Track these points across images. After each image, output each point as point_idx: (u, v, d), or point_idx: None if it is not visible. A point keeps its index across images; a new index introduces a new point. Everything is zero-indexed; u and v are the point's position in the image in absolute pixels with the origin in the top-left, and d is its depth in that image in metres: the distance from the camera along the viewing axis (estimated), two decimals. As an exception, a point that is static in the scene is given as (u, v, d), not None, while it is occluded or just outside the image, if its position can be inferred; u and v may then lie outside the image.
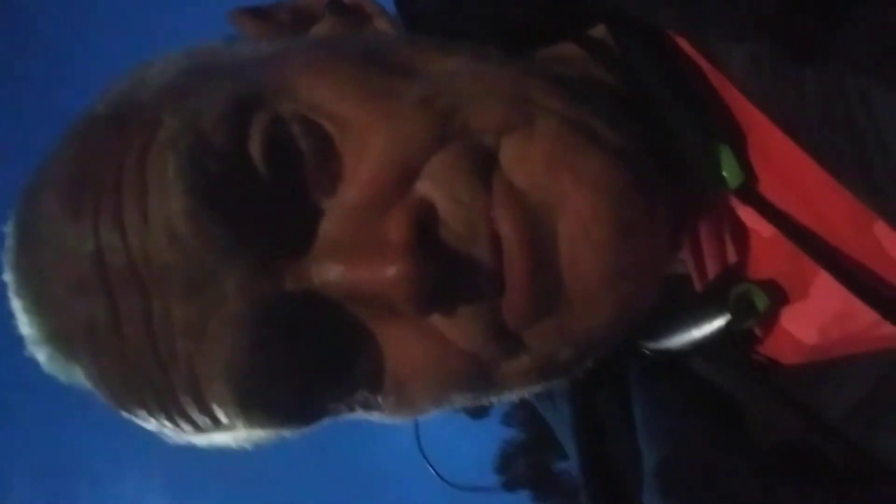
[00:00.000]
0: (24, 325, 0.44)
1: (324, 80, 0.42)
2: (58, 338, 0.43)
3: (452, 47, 0.45)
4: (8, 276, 0.44)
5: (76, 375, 0.44)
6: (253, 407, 0.42)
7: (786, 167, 0.43)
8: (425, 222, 0.40)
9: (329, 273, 0.40)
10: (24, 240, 0.44)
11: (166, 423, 0.43)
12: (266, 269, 0.39)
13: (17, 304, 0.44)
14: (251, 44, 0.48)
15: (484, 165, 0.40)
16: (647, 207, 0.42)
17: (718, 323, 0.46)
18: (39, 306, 0.43)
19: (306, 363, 0.41)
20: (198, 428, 0.43)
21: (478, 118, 0.41)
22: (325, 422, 0.47)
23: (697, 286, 0.48)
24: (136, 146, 0.40)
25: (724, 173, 0.43)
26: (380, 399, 0.44)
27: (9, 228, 0.45)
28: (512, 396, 0.48)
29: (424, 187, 0.40)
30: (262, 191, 0.40)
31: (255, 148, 0.40)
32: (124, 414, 0.44)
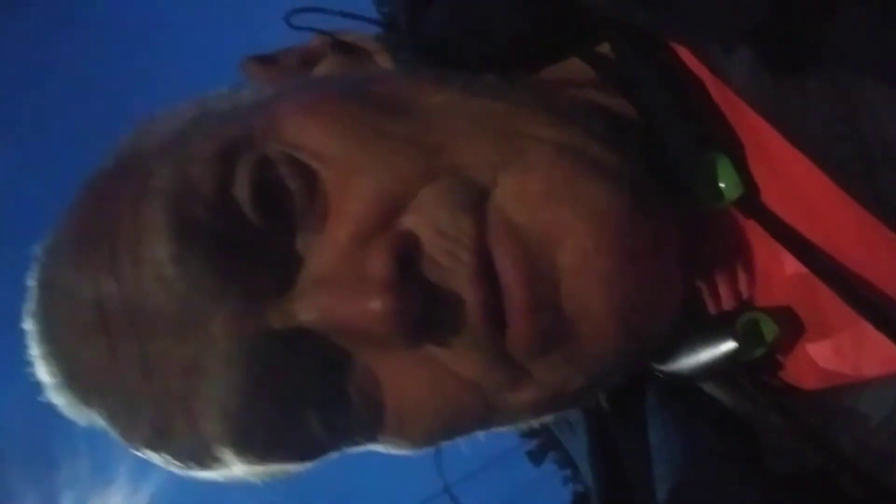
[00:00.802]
0: (44, 373, 0.46)
1: (311, 119, 0.42)
2: (71, 384, 0.45)
3: (446, 80, 0.45)
4: (28, 326, 0.47)
5: (94, 419, 0.46)
6: (248, 446, 0.43)
7: (792, 179, 0.41)
8: (408, 255, 0.40)
9: (311, 310, 0.40)
10: (40, 290, 0.46)
11: (174, 462, 0.45)
12: (252, 310, 0.40)
13: (36, 352, 0.47)
14: (254, 89, 0.50)
15: (472, 199, 0.40)
16: (652, 231, 0.41)
17: (726, 351, 0.45)
18: (53, 354, 0.45)
19: (301, 401, 0.42)
20: (204, 466, 0.45)
21: (467, 154, 0.41)
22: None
23: (711, 309, 0.47)
24: (131, 195, 0.42)
25: (722, 185, 0.42)
26: (383, 434, 0.44)
27: (31, 280, 0.47)
28: (521, 426, 0.48)
29: (409, 221, 0.40)
30: (249, 233, 0.41)
31: (241, 190, 0.41)
32: (139, 454, 0.46)
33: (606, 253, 0.40)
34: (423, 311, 0.39)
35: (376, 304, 0.38)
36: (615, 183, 0.41)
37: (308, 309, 0.40)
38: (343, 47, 0.52)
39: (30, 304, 0.46)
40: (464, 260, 0.40)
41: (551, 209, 0.40)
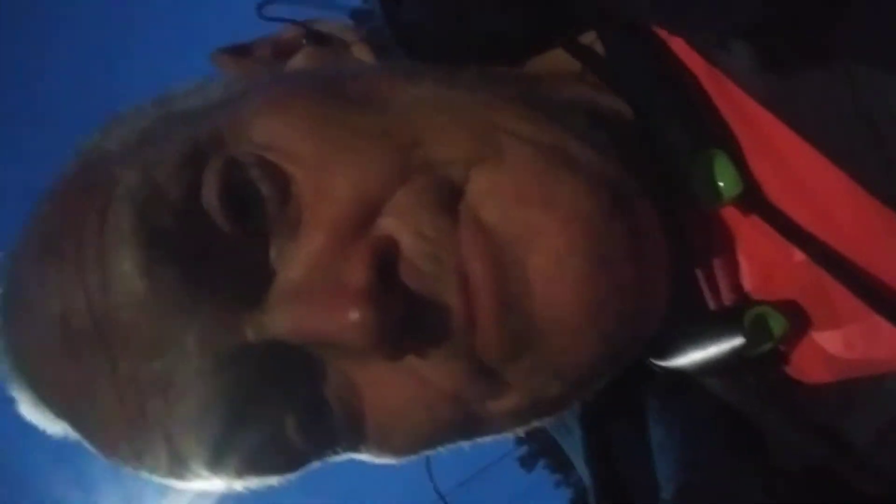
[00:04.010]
0: (14, 389, 0.45)
1: (280, 117, 0.40)
2: (42, 401, 0.44)
3: (424, 72, 0.43)
4: None
5: (69, 432, 0.45)
6: (226, 462, 0.41)
7: (796, 172, 0.40)
8: (386, 261, 0.38)
9: (286, 322, 0.38)
10: (4, 304, 0.44)
11: (153, 475, 0.43)
12: (225, 323, 0.38)
13: (4, 368, 0.44)
14: (224, 84, 0.47)
15: (450, 199, 0.38)
16: (631, 234, 0.39)
17: (732, 346, 0.43)
18: (21, 371, 0.43)
19: (278, 414, 0.40)
20: (184, 480, 0.43)
21: (442, 150, 0.39)
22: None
23: (711, 305, 0.45)
24: (96, 205, 0.39)
25: (721, 182, 0.41)
26: (365, 444, 0.43)
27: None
28: (507, 435, 0.46)
29: (387, 224, 0.38)
30: (220, 241, 0.39)
31: (209, 196, 0.38)
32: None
33: (581, 255, 0.37)
34: (403, 321, 0.37)
35: (354, 316, 0.36)
36: (592, 182, 0.39)
37: (282, 321, 0.38)
38: (318, 38, 0.50)
39: None
40: (448, 265, 0.38)
41: (523, 209, 0.38)
